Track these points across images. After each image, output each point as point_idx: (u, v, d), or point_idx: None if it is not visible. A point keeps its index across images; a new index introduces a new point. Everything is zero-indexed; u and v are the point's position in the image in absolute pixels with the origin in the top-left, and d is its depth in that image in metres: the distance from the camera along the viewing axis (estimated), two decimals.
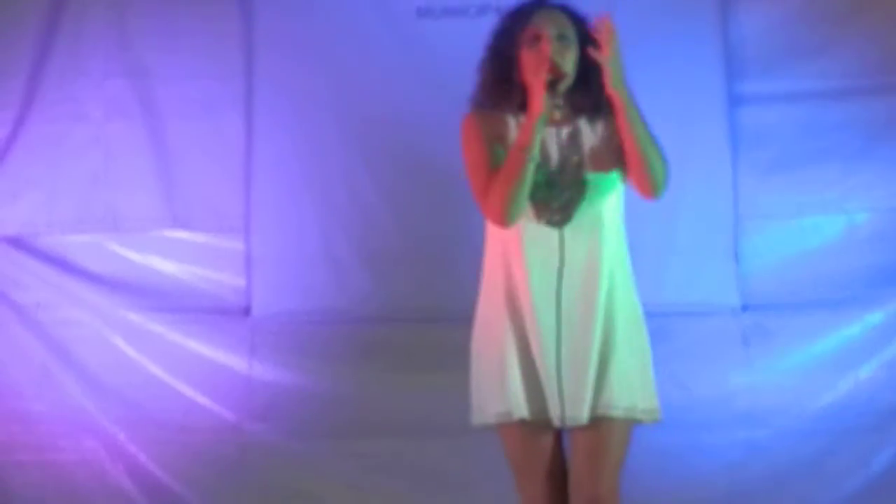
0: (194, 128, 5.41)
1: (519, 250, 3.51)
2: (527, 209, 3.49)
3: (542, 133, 3.49)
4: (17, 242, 5.40)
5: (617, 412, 3.45)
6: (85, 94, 5.42)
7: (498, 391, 3.50)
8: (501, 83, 3.58)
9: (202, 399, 5.29)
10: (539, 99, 3.44)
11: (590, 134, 3.56)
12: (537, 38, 3.52)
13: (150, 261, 5.40)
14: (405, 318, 5.23)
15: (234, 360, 5.29)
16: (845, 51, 5.21)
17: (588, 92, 3.53)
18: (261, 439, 5.24)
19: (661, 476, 5.01)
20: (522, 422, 3.49)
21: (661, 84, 5.08)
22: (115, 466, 5.28)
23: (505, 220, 3.48)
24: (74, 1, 5.41)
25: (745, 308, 5.23)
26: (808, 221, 5.24)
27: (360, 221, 5.32)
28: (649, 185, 3.50)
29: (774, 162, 5.23)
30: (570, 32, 3.54)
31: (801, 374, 5.19)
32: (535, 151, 3.45)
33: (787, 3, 5.27)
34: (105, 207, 5.39)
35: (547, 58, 3.47)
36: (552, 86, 3.46)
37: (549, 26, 3.52)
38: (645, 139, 3.47)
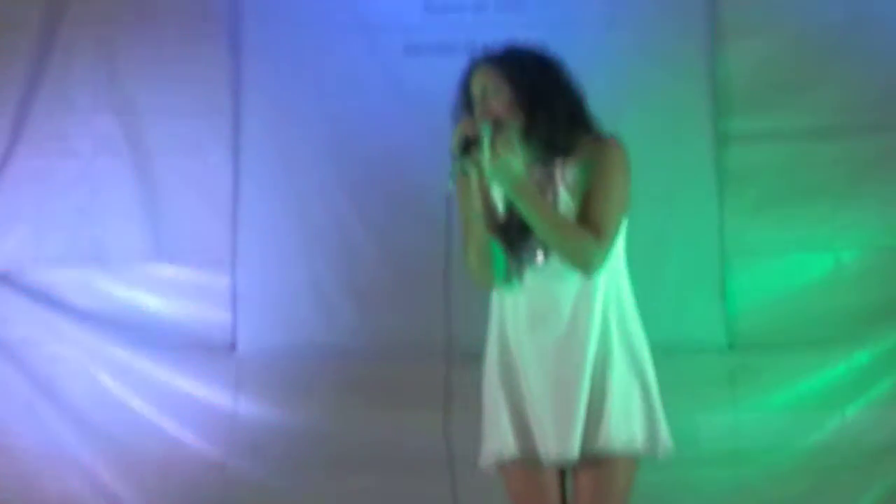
0: (181, 164, 5.42)
1: (504, 293, 3.51)
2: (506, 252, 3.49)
3: (488, 191, 3.48)
4: (2, 278, 5.38)
5: (615, 444, 3.42)
6: (73, 129, 5.43)
7: (492, 432, 3.51)
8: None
9: (187, 435, 5.27)
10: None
11: (559, 174, 3.52)
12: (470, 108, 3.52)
13: (136, 296, 5.39)
14: (391, 354, 5.22)
15: (219, 396, 5.28)
16: (832, 89, 5.23)
17: (542, 133, 3.46)
18: (245, 475, 5.22)
19: None
20: (520, 461, 3.48)
21: (649, 121, 5.11)
22: (99, 503, 5.25)
23: (481, 285, 3.52)
24: (63, 37, 5.43)
25: (731, 346, 5.22)
26: (796, 259, 5.24)
27: (346, 257, 5.32)
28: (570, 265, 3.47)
29: (761, 199, 5.24)
30: (492, 81, 3.47)
31: (787, 413, 5.17)
32: (480, 211, 3.44)
33: (775, 42, 5.29)
34: (92, 242, 5.40)
35: (458, 131, 3.41)
36: (466, 148, 3.36)
37: (476, 89, 3.49)
38: (543, 230, 3.41)
